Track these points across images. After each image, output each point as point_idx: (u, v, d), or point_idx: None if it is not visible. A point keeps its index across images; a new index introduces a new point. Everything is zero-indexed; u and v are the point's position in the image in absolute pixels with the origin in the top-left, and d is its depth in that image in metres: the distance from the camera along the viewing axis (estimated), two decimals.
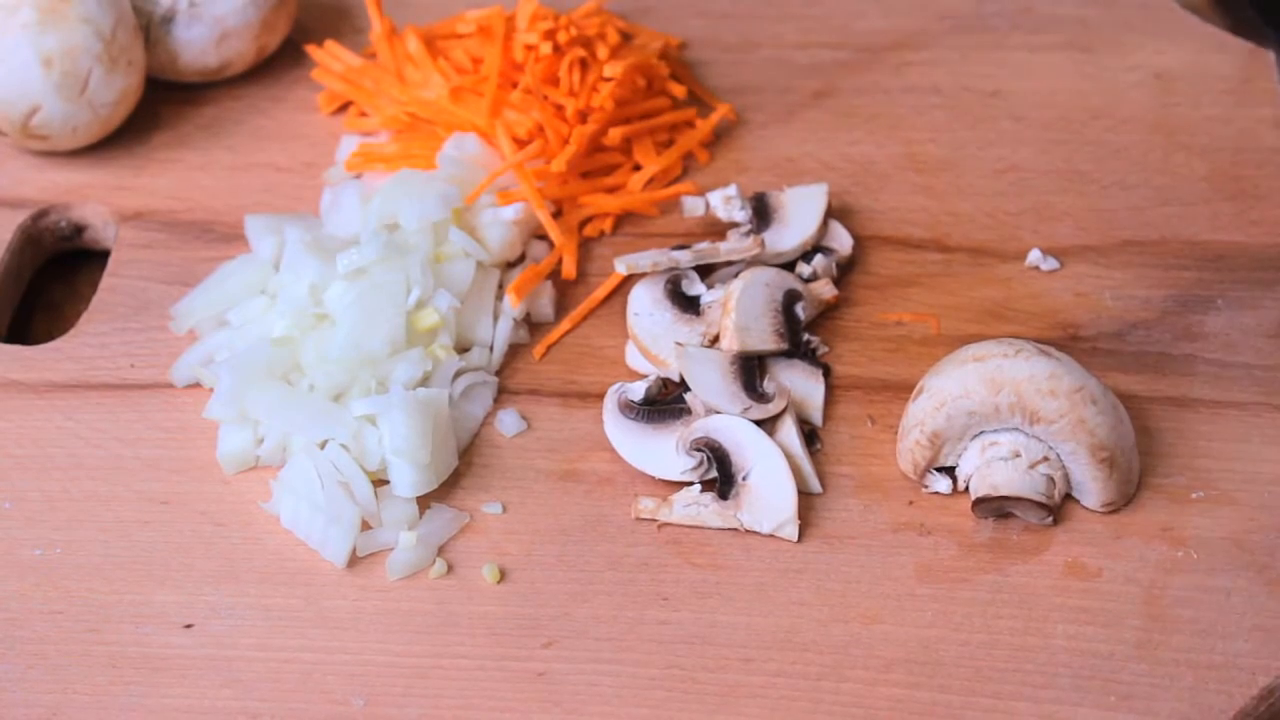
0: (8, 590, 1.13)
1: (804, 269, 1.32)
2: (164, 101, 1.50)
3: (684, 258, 1.29)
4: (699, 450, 1.18)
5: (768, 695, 1.07)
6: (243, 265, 1.31)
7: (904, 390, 1.22)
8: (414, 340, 1.23)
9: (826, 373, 1.26)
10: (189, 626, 1.11)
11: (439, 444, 1.18)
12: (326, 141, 1.47)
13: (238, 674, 1.09)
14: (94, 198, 1.42)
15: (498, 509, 1.18)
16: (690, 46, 1.58)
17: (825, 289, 1.31)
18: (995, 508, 1.16)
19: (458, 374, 1.24)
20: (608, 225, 1.39)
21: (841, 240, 1.35)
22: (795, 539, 1.15)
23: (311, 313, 1.24)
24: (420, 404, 1.17)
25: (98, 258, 1.40)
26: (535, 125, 1.39)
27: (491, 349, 1.28)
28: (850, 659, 1.09)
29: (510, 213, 1.33)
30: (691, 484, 1.18)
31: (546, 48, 1.41)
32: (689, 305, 1.27)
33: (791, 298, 1.27)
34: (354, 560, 1.15)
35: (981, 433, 1.16)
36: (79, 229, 1.42)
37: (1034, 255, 1.35)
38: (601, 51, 1.43)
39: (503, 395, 1.26)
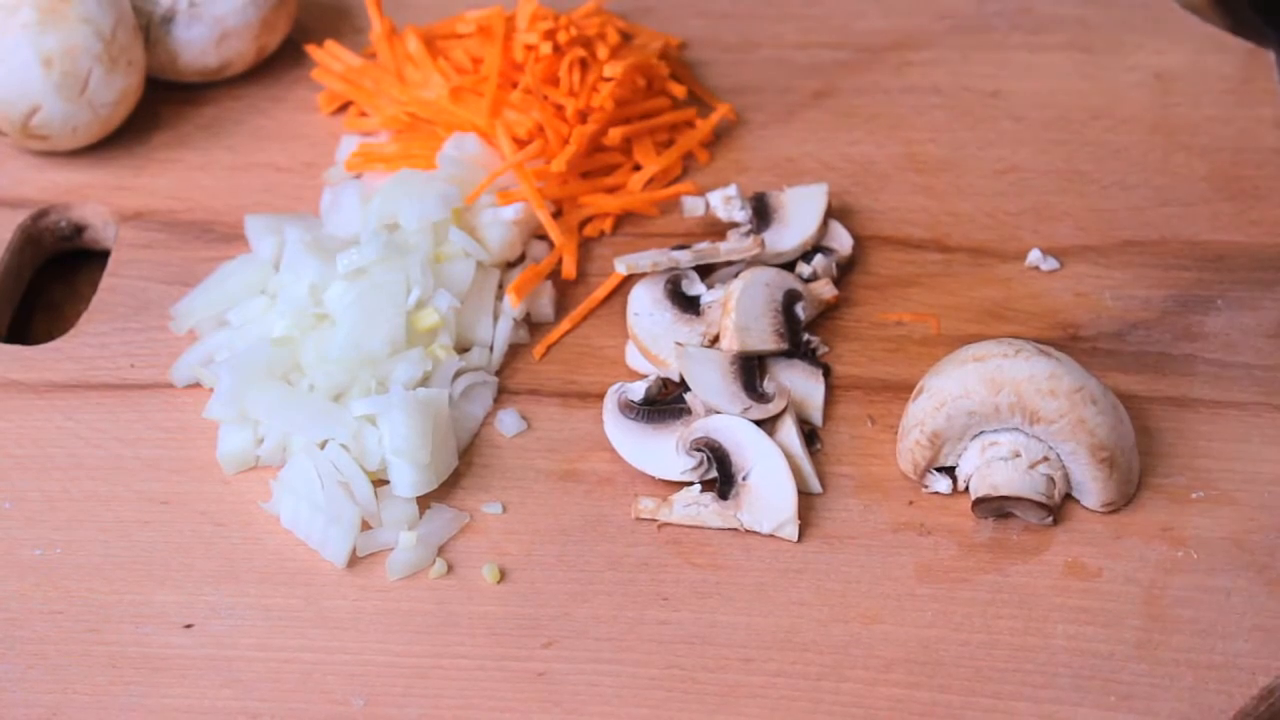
0: (8, 590, 1.13)
1: (804, 269, 1.32)
2: (164, 101, 1.50)
3: (684, 258, 1.29)
4: (699, 450, 1.18)
5: (768, 695, 1.07)
6: (243, 265, 1.31)
7: (904, 390, 1.22)
8: (414, 340, 1.23)
9: (826, 373, 1.26)
10: (189, 626, 1.11)
11: (439, 444, 1.18)
12: (326, 141, 1.47)
13: (238, 674, 1.09)
14: (94, 198, 1.42)
15: (498, 509, 1.18)
16: (690, 46, 1.58)
17: (825, 289, 1.31)
18: (995, 508, 1.16)
19: (458, 374, 1.24)
20: (608, 225, 1.39)
21: (841, 240, 1.35)
22: (795, 539, 1.15)
23: (311, 313, 1.24)
24: (420, 404, 1.17)
25: (98, 258, 1.40)
26: (535, 125, 1.39)
27: (491, 349, 1.28)
28: (850, 659, 1.09)
29: (510, 213, 1.33)
30: (691, 484, 1.18)
31: (546, 48, 1.41)
32: (689, 305, 1.27)
33: (791, 298, 1.27)
34: (354, 560, 1.15)
35: (981, 433, 1.16)
36: (79, 229, 1.42)
37: (1034, 255, 1.35)
38: (601, 51, 1.43)
39: (503, 395, 1.26)
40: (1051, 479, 1.15)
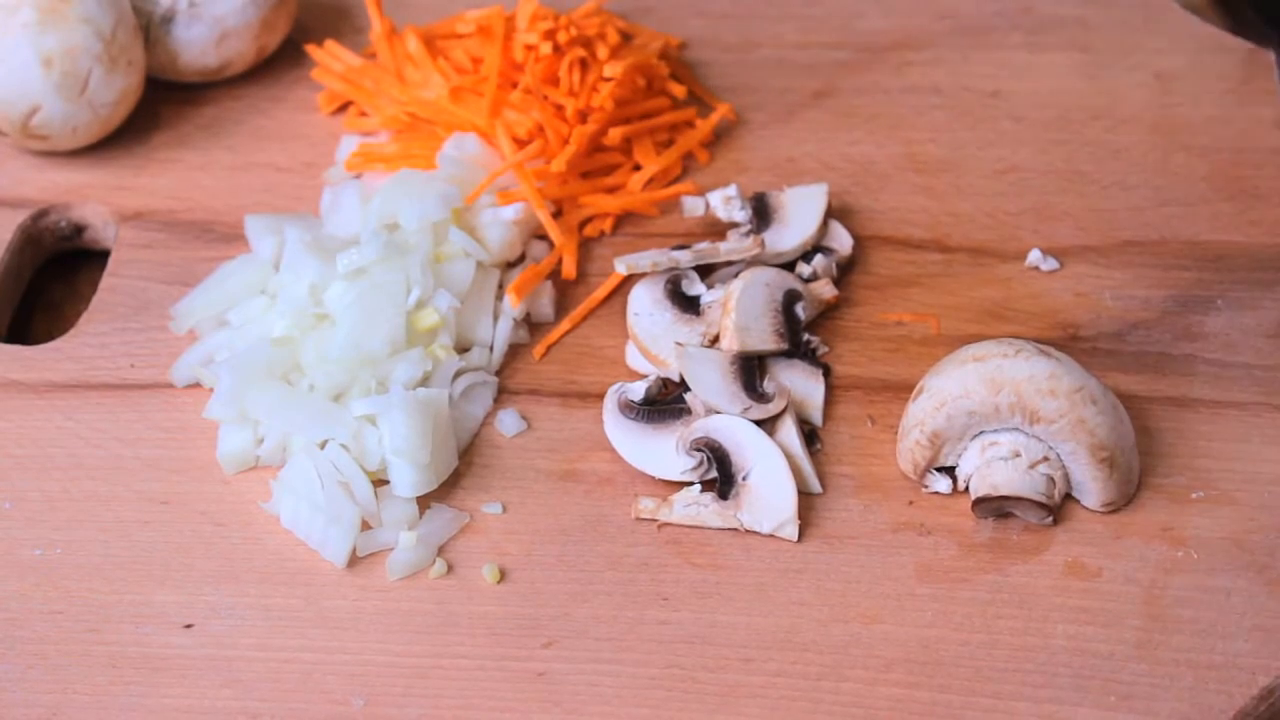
0: (8, 590, 1.13)
1: (804, 269, 1.32)
2: (164, 101, 1.50)
3: (684, 258, 1.29)
4: (699, 450, 1.18)
5: (768, 695, 1.07)
6: (243, 265, 1.31)
7: (904, 390, 1.22)
8: (414, 340, 1.23)
9: (826, 373, 1.26)
10: (189, 626, 1.11)
11: (439, 444, 1.18)
12: (326, 141, 1.47)
13: (238, 674, 1.09)
14: (94, 198, 1.42)
15: (498, 509, 1.18)
16: (690, 46, 1.58)
17: (825, 289, 1.31)
18: (995, 508, 1.16)
19: (458, 374, 1.24)
20: (608, 225, 1.39)
21: (841, 240, 1.35)
22: (795, 539, 1.15)
23: (311, 313, 1.24)
24: (420, 404, 1.17)
25: (98, 258, 1.40)
26: (535, 125, 1.39)
27: (491, 349, 1.28)
28: (850, 659, 1.09)
29: (510, 213, 1.33)
30: (691, 484, 1.18)
31: (546, 48, 1.41)
32: (689, 305, 1.27)
33: (791, 298, 1.27)
34: (354, 560, 1.15)
35: (981, 433, 1.16)
36: (79, 229, 1.42)
37: (1034, 255, 1.35)
38: (601, 51, 1.43)
39: (503, 395, 1.26)
40: (1051, 479, 1.15)
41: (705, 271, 1.31)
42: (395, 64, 1.47)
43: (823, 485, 1.19)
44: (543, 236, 1.36)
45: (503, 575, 1.14)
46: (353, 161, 1.42)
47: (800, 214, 1.34)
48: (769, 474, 1.16)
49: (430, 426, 1.17)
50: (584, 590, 1.13)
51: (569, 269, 1.34)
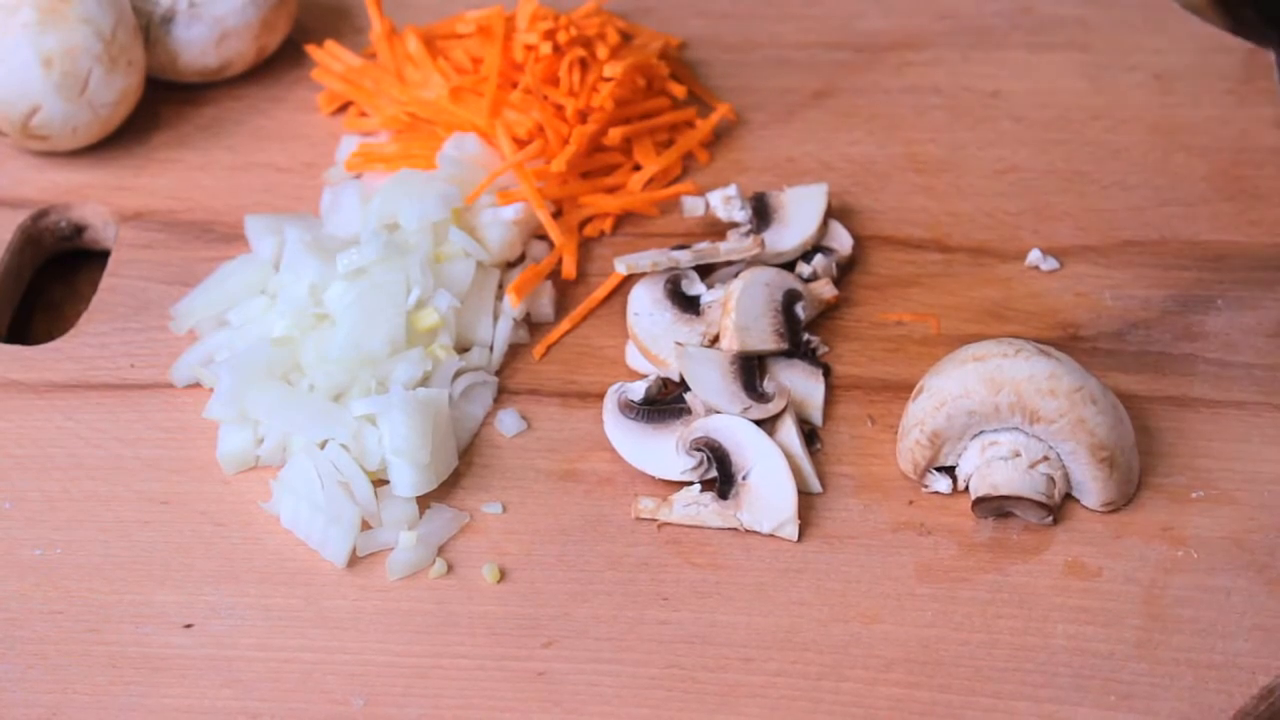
0: (8, 590, 1.13)
1: (804, 269, 1.32)
2: (164, 101, 1.50)
3: (684, 258, 1.29)
4: (699, 450, 1.18)
5: (768, 695, 1.07)
6: (243, 265, 1.31)
7: (904, 390, 1.22)
8: (414, 340, 1.23)
9: (826, 373, 1.26)
10: (189, 626, 1.11)
11: (439, 444, 1.18)
12: (326, 141, 1.47)
13: (238, 674, 1.09)
14: (94, 198, 1.42)
15: (498, 509, 1.18)
16: (690, 46, 1.58)
17: (825, 289, 1.31)
18: (995, 507, 1.16)
19: (458, 374, 1.24)
20: (608, 225, 1.39)
21: (841, 240, 1.35)
22: (795, 539, 1.15)
23: (311, 313, 1.24)
24: (420, 404, 1.17)
25: (98, 258, 1.40)
26: (535, 125, 1.39)
27: (491, 349, 1.28)
28: (850, 658, 1.09)
29: (510, 213, 1.33)
30: (691, 484, 1.18)
31: (546, 48, 1.41)
32: (689, 305, 1.27)
33: (791, 298, 1.27)
34: (354, 560, 1.15)
35: (981, 432, 1.16)
36: (79, 229, 1.42)
37: (1034, 255, 1.35)
38: (601, 51, 1.43)
39: (503, 395, 1.26)
40: (1051, 478, 1.15)
41: (705, 271, 1.31)
42: (395, 64, 1.47)
43: (823, 485, 1.19)
44: (543, 236, 1.36)
45: (503, 575, 1.14)
46: (353, 161, 1.42)
47: (800, 214, 1.34)
48: (769, 474, 1.16)
49: (430, 426, 1.17)
50: (584, 590, 1.13)
51: (569, 269, 1.34)
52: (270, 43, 1.52)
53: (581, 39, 1.44)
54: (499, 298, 1.30)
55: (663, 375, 1.24)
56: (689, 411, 1.21)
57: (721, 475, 1.17)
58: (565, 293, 1.34)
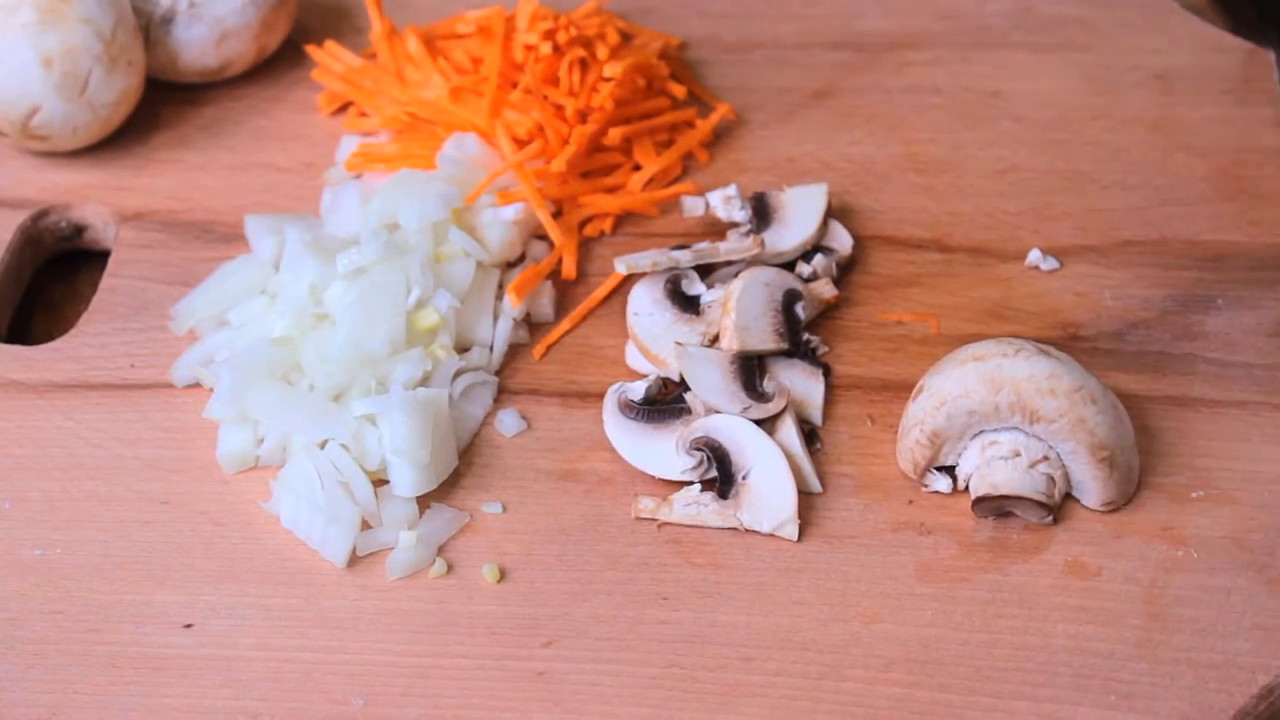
0: (8, 590, 1.13)
1: (804, 269, 1.32)
2: (164, 101, 1.50)
3: (684, 257, 1.29)
4: (699, 450, 1.18)
5: (768, 694, 1.07)
6: (243, 265, 1.31)
7: (904, 390, 1.22)
8: (414, 340, 1.23)
9: (826, 372, 1.26)
10: (189, 626, 1.11)
11: (439, 444, 1.18)
12: (326, 141, 1.47)
13: (237, 674, 1.09)
14: (94, 198, 1.42)
15: (497, 509, 1.18)
16: (690, 46, 1.58)
17: (825, 289, 1.31)
18: (995, 507, 1.16)
19: (458, 374, 1.24)
20: (608, 225, 1.39)
21: (841, 240, 1.35)
22: (795, 538, 1.15)
23: (311, 313, 1.24)
24: (420, 404, 1.17)
25: (98, 258, 1.41)
26: (535, 125, 1.39)
27: (491, 349, 1.28)
28: (850, 658, 1.09)
29: (510, 213, 1.33)
30: (691, 483, 1.18)
31: (546, 48, 1.41)
32: (689, 305, 1.27)
33: (791, 297, 1.27)
34: (354, 560, 1.15)
35: (981, 432, 1.16)
36: (79, 229, 1.42)
37: (1034, 255, 1.35)
38: (601, 51, 1.43)
39: (503, 395, 1.26)
40: (1051, 478, 1.15)
41: (705, 271, 1.31)
42: (395, 64, 1.47)
43: (823, 485, 1.19)
44: (543, 236, 1.36)
45: (502, 575, 1.14)
46: (353, 161, 1.42)
47: (800, 214, 1.34)
48: (769, 473, 1.16)
49: (430, 426, 1.17)
50: (584, 590, 1.13)
51: (569, 269, 1.34)
52: (270, 43, 1.52)
53: (581, 39, 1.44)
54: (499, 298, 1.30)
55: (663, 375, 1.24)
56: (689, 411, 1.21)
57: (721, 475, 1.17)
58: (565, 293, 1.34)
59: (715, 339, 1.25)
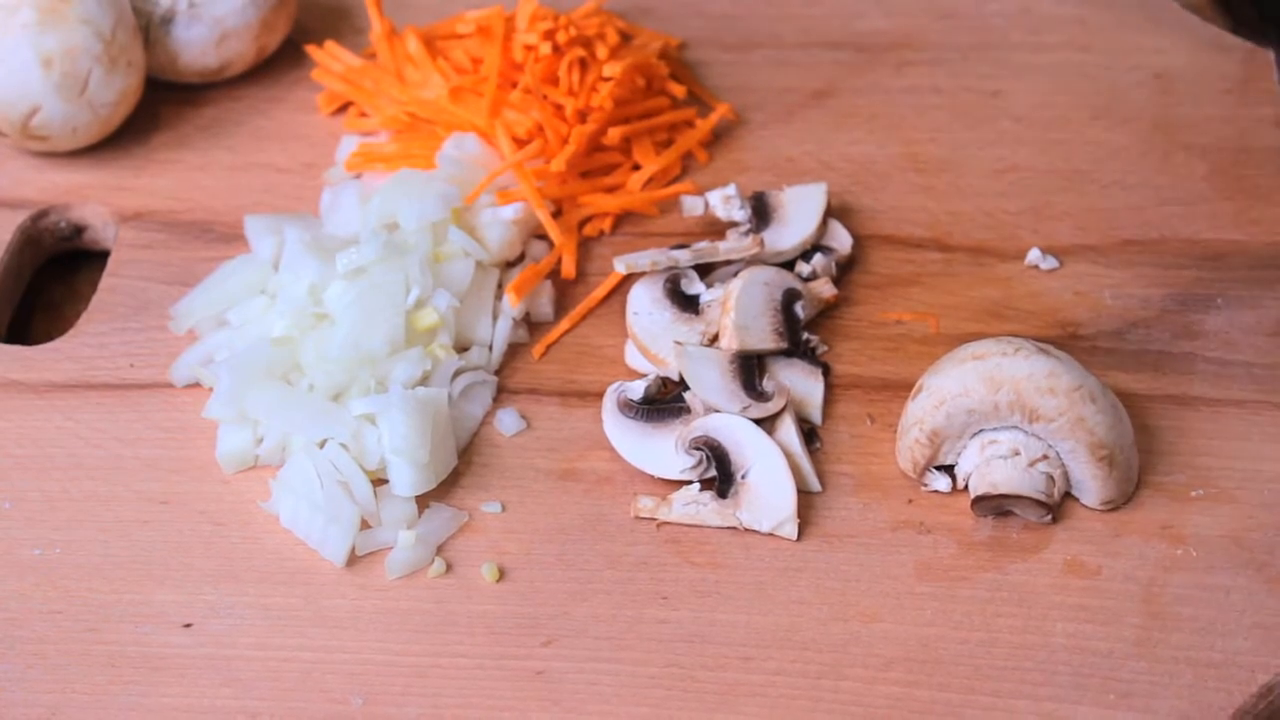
0: (8, 590, 1.13)
1: (803, 268, 1.32)
2: (164, 101, 1.50)
3: (683, 257, 1.29)
4: (698, 449, 1.18)
5: (767, 693, 1.07)
6: (243, 265, 1.31)
7: (903, 389, 1.22)
8: (413, 340, 1.23)
9: (826, 372, 1.26)
10: (188, 626, 1.11)
11: (438, 443, 1.18)
12: (326, 141, 1.47)
13: (237, 673, 1.09)
14: (94, 198, 1.42)
15: (497, 508, 1.18)
16: (690, 46, 1.58)
17: (825, 288, 1.31)
18: (994, 506, 1.16)
19: (457, 373, 1.24)
20: (607, 225, 1.39)
21: (841, 239, 1.35)
22: (794, 537, 1.15)
23: (311, 312, 1.24)
24: (419, 403, 1.17)
25: (98, 258, 1.41)
26: (535, 125, 1.39)
27: (491, 348, 1.28)
28: (849, 657, 1.09)
29: (510, 212, 1.33)
30: (691, 483, 1.18)
31: (546, 48, 1.41)
32: (688, 304, 1.27)
33: (791, 297, 1.27)
34: (353, 559, 1.15)
35: (981, 431, 1.16)
36: (79, 229, 1.42)
37: (1034, 255, 1.35)
38: (601, 51, 1.44)
39: (502, 395, 1.26)
40: (1051, 477, 1.15)
41: (704, 271, 1.31)
42: (395, 64, 1.47)
43: (822, 484, 1.19)
44: (542, 236, 1.36)
45: (502, 574, 1.14)
46: (353, 161, 1.42)
47: (800, 213, 1.34)
48: (768, 472, 1.16)
49: (429, 426, 1.17)
50: (583, 589, 1.13)
51: (568, 268, 1.34)
52: (270, 43, 1.52)
53: (581, 39, 1.44)
54: (498, 297, 1.30)
55: (662, 374, 1.24)
56: (688, 410, 1.21)
57: (721, 474, 1.17)
58: (565, 292, 1.34)
59: (715, 338, 1.25)
